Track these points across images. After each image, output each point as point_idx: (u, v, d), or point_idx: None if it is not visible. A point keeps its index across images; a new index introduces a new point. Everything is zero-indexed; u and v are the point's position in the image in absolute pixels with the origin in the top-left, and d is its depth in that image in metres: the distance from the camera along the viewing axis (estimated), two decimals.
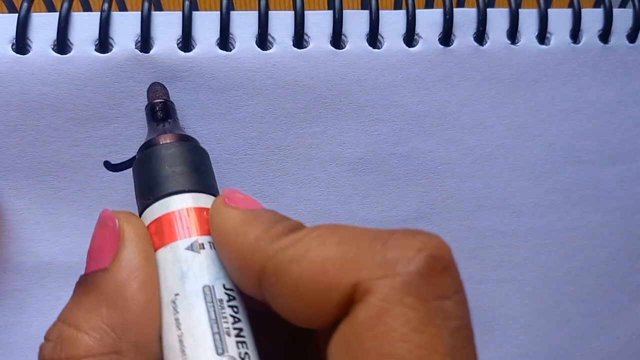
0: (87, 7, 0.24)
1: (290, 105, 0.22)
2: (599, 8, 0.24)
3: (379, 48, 0.22)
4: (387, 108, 0.23)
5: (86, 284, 0.15)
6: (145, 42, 0.21)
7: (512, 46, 0.23)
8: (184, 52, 0.21)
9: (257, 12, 0.21)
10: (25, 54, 0.20)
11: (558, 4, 0.25)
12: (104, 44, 0.20)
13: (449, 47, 0.23)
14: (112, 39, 0.21)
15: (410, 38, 0.22)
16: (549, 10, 0.23)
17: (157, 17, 0.21)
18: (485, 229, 0.25)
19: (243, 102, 0.22)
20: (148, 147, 0.18)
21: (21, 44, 0.20)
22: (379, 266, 0.13)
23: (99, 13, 0.20)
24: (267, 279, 0.14)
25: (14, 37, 0.20)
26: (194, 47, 0.21)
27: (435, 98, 0.23)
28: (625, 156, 0.26)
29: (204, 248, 0.16)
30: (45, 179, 0.22)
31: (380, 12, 0.22)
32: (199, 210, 0.17)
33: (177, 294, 0.15)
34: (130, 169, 0.22)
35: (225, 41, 0.21)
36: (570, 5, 0.24)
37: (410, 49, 0.22)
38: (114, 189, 0.22)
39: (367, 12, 0.22)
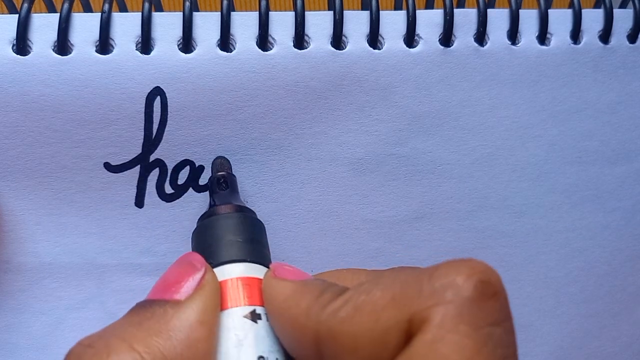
0: (87, 8, 0.24)
1: (290, 106, 0.22)
2: (599, 8, 0.24)
3: (379, 49, 0.22)
4: (387, 108, 0.23)
5: (153, 309, 0.16)
6: (145, 43, 0.21)
7: (513, 47, 0.23)
8: (185, 53, 0.21)
9: (257, 13, 0.21)
10: (26, 55, 0.20)
11: (558, 5, 0.25)
12: (104, 45, 0.20)
13: (449, 48, 0.23)
14: (113, 40, 0.21)
15: (410, 39, 0.22)
16: (549, 10, 0.23)
17: (158, 18, 0.21)
18: (485, 229, 0.25)
19: (243, 102, 0.22)
20: (211, 215, 0.19)
21: (21, 45, 0.20)
22: (430, 296, 0.13)
23: (100, 14, 0.20)
24: (324, 343, 0.15)
25: (15, 38, 0.20)
26: (194, 48, 0.21)
27: (436, 99, 0.23)
28: (625, 157, 0.26)
29: (260, 319, 0.16)
30: (45, 180, 0.22)
31: (381, 12, 0.22)
32: (258, 281, 0.17)
33: None
34: (130, 170, 0.22)
35: (225, 42, 0.21)
36: (571, 5, 0.24)
37: (411, 49, 0.22)
38: (114, 190, 0.22)
39: (367, 12, 0.22)
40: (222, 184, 0.21)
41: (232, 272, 0.17)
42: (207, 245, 0.19)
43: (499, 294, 0.14)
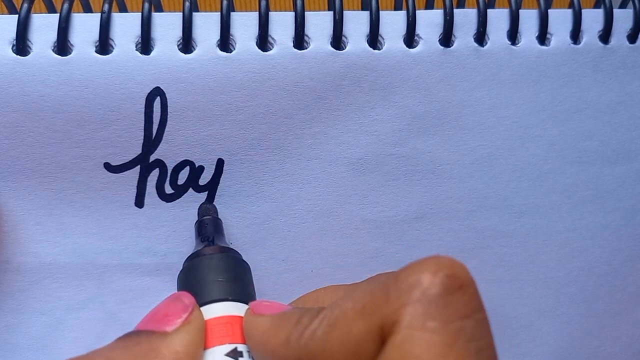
0: (87, 8, 0.24)
1: (290, 106, 0.22)
2: (599, 8, 0.24)
3: (379, 49, 0.22)
4: (387, 109, 0.23)
5: (140, 337, 0.16)
6: (145, 44, 0.21)
7: (513, 47, 0.23)
8: (185, 53, 0.21)
9: (257, 13, 0.21)
10: (26, 55, 0.20)
11: (558, 5, 0.25)
12: (104, 45, 0.20)
13: (449, 48, 0.23)
14: (113, 41, 0.21)
15: (410, 39, 0.22)
16: (549, 10, 0.23)
17: (158, 18, 0.21)
18: (485, 229, 0.25)
19: (243, 103, 0.22)
20: (195, 257, 0.20)
21: (21, 45, 0.20)
22: (397, 298, 0.13)
23: (99, 14, 0.20)
24: None
25: (14, 38, 0.20)
26: (194, 49, 0.21)
27: (436, 99, 0.23)
28: (625, 157, 0.26)
29: (242, 356, 0.17)
30: (45, 180, 0.22)
31: (381, 13, 0.22)
32: (240, 319, 0.18)
33: None
34: (130, 170, 0.22)
35: (225, 42, 0.21)
36: (571, 5, 0.24)
37: (411, 49, 0.22)
38: (114, 190, 0.22)
39: (367, 13, 0.22)
40: (207, 226, 0.22)
41: (216, 311, 0.18)
42: (192, 285, 0.19)
43: (466, 287, 0.14)
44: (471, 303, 0.14)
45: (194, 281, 0.19)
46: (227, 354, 0.17)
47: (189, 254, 0.21)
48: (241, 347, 0.17)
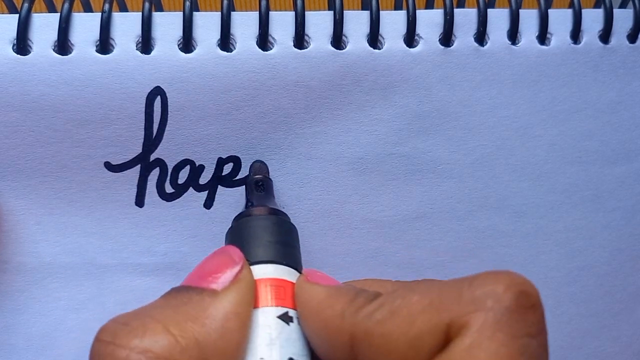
0: (87, 8, 0.24)
1: (290, 106, 0.22)
2: (599, 8, 0.24)
3: (379, 48, 0.22)
4: (387, 108, 0.23)
5: (190, 295, 0.16)
6: (146, 43, 0.21)
7: (513, 47, 0.23)
8: (185, 53, 0.21)
9: (257, 12, 0.21)
10: (26, 54, 0.20)
11: (558, 5, 0.25)
12: (104, 44, 0.20)
13: (449, 48, 0.23)
14: (113, 40, 0.21)
15: (410, 38, 0.22)
16: (549, 10, 0.23)
17: (158, 17, 0.21)
18: (485, 229, 0.25)
19: (244, 102, 0.22)
20: (246, 215, 0.20)
21: (22, 45, 0.20)
22: (470, 303, 0.14)
23: (100, 14, 0.20)
24: (359, 345, 0.15)
25: (15, 37, 0.20)
26: (194, 48, 0.21)
27: (436, 98, 0.23)
28: (625, 156, 0.26)
29: (292, 321, 0.17)
30: (45, 179, 0.22)
31: (381, 12, 0.22)
32: (290, 284, 0.18)
33: (262, 358, 0.16)
34: (130, 169, 0.22)
35: (226, 42, 0.21)
36: (571, 5, 0.24)
37: (411, 49, 0.22)
38: (114, 189, 0.22)
39: (367, 12, 0.22)
40: (260, 186, 0.21)
41: (266, 273, 0.18)
42: (241, 244, 0.19)
43: (536, 307, 0.14)
44: (539, 324, 0.14)
45: (245, 239, 0.19)
46: (279, 317, 0.17)
47: (238, 214, 0.20)
48: (291, 312, 0.17)
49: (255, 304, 0.17)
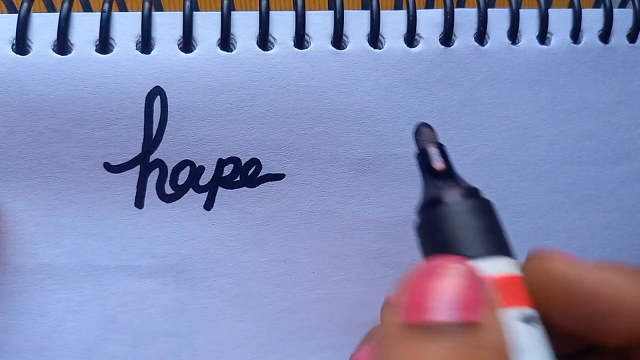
0: (87, 8, 0.24)
1: (291, 106, 0.22)
2: (599, 8, 0.24)
3: (380, 48, 0.22)
4: (387, 108, 0.23)
5: (458, 335, 0.13)
6: (146, 43, 0.20)
7: (513, 46, 0.23)
8: (185, 52, 0.21)
9: (257, 12, 0.21)
10: (25, 54, 0.20)
11: (558, 4, 0.25)
12: (104, 44, 0.20)
13: (449, 47, 0.23)
14: (113, 40, 0.20)
15: (411, 38, 0.22)
16: (549, 10, 0.23)
17: (158, 17, 0.21)
18: None
19: (244, 102, 0.22)
20: (437, 203, 0.16)
21: (21, 45, 0.20)
22: None
23: (100, 13, 0.20)
24: None
25: (14, 37, 0.20)
26: (194, 48, 0.21)
27: (436, 98, 0.23)
28: (625, 156, 0.26)
29: (532, 321, 0.15)
30: (44, 180, 0.21)
31: (381, 12, 0.22)
32: (520, 278, 0.15)
33: None
34: (130, 170, 0.22)
35: (226, 42, 0.21)
36: (571, 5, 0.24)
37: (411, 49, 0.22)
38: (114, 190, 0.22)
39: (368, 12, 0.22)
40: (439, 159, 0.17)
41: (505, 269, 0.15)
42: (447, 242, 0.16)
43: None
44: None
45: (451, 235, 0.16)
46: (521, 319, 0.14)
47: (425, 202, 0.17)
48: (531, 312, 0.15)
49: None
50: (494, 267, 0.15)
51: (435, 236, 0.16)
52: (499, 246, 0.16)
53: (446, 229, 0.16)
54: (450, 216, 0.16)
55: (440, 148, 0.18)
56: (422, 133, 0.18)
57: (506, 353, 0.13)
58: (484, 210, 0.16)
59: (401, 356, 0.13)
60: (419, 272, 0.15)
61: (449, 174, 0.17)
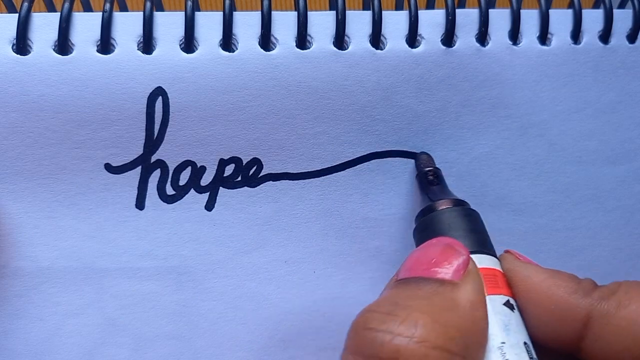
0: (87, 8, 0.23)
1: (292, 106, 0.22)
2: (599, 8, 0.24)
3: (381, 49, 0.22)
4: (388, 108, 0.23)
5: (434, 286, 0.16)
6: (147, 43, 0.20)
7: (514, 47, 0.23)
8: (187, 53, 0.21)
9: (259, 12, 0.21)
10: (26, 54, 0.20)
11: (558, 5, 0.25)
12: (105, 44, 0.20)
13: (451, 48, 0.23)
14: (114, 40, 0.20)
15: (412, 39, 0.22)
16: (550, 11, 0.23)
17: (159, 17, 0.21)
18: None
19: (246, 103, 0.21)
20: (431, 211, 0.20)
21: (22, 45, 0.20)
22: None
23: (101, 13, 0.20)
24: (593, 325, 0.16)
25: (15, 37, 0.20)
26: (196, 48, 0.21)
27: (437, 98, 0.23)
28: (625, 156, 0.26)
29: (514, 309, 0.17)
30: (44, 181, 0.21)
31: (383, 13, 0.22)
32: (499, 272, 0.18)
33: (503, 342, 0.16)
34: (131, 171, 0.22)
35: (227, 42, 0.21)
36: (571, 5, 0.24)
37: (413, 49, 0.22)
38: (115, 191, 0.22)
39: (369, 13, 0.22)
40: (434, 179, 0.22)
41: (480, 262, 0.18)
42: (453, 235, 0.19)
43: None
44: None
45: (440, 234, 0.19)
46: (504, 304, 0.17)
47: (421, 210, 0.21)
48: (512, 300, 0.17)
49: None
50: (478, 261, 0.18)
51: (429, 235, 0.19)
52: (484, 246, 0.19)
53: (438, 228, 0.19)
54: (442, 218, 0.19)
55: (436, 172, 0.22)
56: (422, 159, 0.23)
57: (477, 314, 0.16)
58: (471, 216, 0.20)
59: (388, 296, 0.16)
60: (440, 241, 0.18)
61: (442, 191, 0.21)
